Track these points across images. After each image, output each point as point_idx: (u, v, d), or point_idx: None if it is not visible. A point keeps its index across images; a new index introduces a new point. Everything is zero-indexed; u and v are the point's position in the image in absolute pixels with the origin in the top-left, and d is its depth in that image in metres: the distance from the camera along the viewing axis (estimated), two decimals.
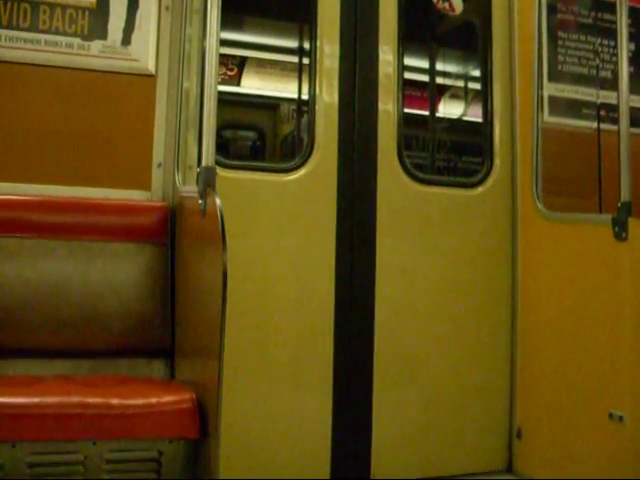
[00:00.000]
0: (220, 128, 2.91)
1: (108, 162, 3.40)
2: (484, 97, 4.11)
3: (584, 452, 3.42)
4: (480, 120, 4.17)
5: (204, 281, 2.87)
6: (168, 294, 3.27)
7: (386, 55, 3.81)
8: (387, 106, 3.80)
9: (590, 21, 4.13)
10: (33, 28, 3.31)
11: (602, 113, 3.99)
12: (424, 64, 4.86)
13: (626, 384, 3.22)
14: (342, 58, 3.74)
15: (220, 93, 2.89)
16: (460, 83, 5.34)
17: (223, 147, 5.96)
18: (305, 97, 4.46)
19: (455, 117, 5.55)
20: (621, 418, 3.20)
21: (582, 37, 4.09)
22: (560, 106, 4.02)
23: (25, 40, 3.30)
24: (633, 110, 3.41)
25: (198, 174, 2.84)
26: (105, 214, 3.35)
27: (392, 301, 3.73)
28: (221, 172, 3.05)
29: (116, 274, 3.27)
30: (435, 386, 3.80)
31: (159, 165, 3.45)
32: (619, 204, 3.28)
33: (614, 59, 3.91)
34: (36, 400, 2.58)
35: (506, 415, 3.89)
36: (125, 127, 3.43)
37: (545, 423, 3.68)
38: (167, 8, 3.50)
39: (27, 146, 3.31)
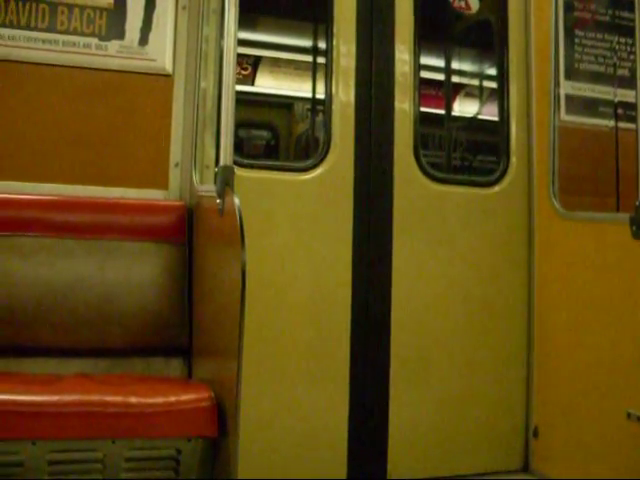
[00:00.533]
0: (235, 127, 2.92)
1: (125, 161, 3.41)
2: (500, 95, 4.09)
3: (601, 452, 3.41)
4: (496, 119, 4.16)
5: (222, 280, 2.87)
6: (185, 293, 3.28)
7: (402, 54, 3.80)
8: (403, 105, 3.79)
9: (607, 19, 4.12)
10: (51, 29, 3.33)
11: (620, 111, 3.97)
12: (440, 63, 4.85)
13: None
14: (358, 57, 3.74)
15: (235, 92, 2.89)
16: (476, 82, 5.32)
17: (238, 146, 5.96)
18: (320, 96, 4.45)
19: (471, 116, 5.54)
20: (639, 418, 3.18)
21: (599, 35, 4.07)
22: (577, 104, 4.00)
23: (43, 41, 3.32)
24: None
25: (216, 173, 2.85)
26: (122, 213, 3.36)
27: (408, 300, 3.73)
28: (238, 171, 3.05)
29: (133, 273, 3.28)
30: (451, 385, 3.80)
31: (176, 164, 3.47)
32: (637, 203, 3.27)
33: (631, 57, 3.89)
34: (56, 398, 2.60)
35: (523, 414, 3.88)
36: (142, 127, 3.44)
37: (562, 422, 3.67)
38: (184, 8, 3.51)
39: (45, 145, 3.33)
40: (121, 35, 3.43)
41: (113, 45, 3.42)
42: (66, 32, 3.35)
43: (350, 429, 3.60)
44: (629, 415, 3.23)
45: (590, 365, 3.50)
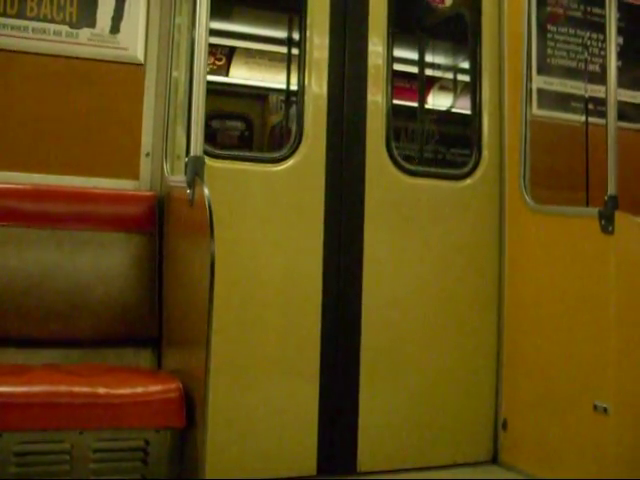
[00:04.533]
0: (209, 118, 2.90)
1: (96, 151, 3.39)
2: (473, 89, 4.11)
3: (569, 443, 3.45)
4: (469, 112, 4.18)
5: (192, 270, 2.86)
6: (156, 284, 3.27)
7: (376, 47, 3.81)
8: (376, 97, 3.80)
9: (579, 15, 4.15)
10: (21, 15, 3.29)
11: (591, 107, 4.00)
12: (414, 56, 4.86)
13: (611, 376, 3.24)
14: (331, 49, 3.73)
15: (208, 83, 2.88)
16: (449, 75, 5.34)
17: (211, 137, 5.94)
18: (294, 88, 4.44)
19: (444, 109, 5.56)
20: (605, 409, 3.22)
21: (571, 30, 4.10)
22: (549, 99, 4.03)
23: (12, 27, 3.28)
24: (621, 104, 3.42)
25: (186, 164, 2.83)
26: (93, 203, 3.34)
27: (379, 292, 3.74)
28: (209, 162, 3.04)
29: (103, 263, 3.26)
30: (421, 377, 3.82)
31: (147, 154, 3.45)
32: (606, 197, 3.30)
33: (603, 53, 3.93)
34: (23, 389, 2.57)
35: (492, 406, 3.91)
36: (113, 116, 3.41)
37: (530, 414, 3.70)
38: None
39: (14, 134, 3.29)
40: (92, 23, 3.39)
41: (84, 33, 3.38)
42: (36, 19, 3.31)
43: (320, 422, 3.60)
44: (595, 407, 3.27)
45: (558, 358, 3.54)
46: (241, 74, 6.45)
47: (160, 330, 3.23)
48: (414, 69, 4.93)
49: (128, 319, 3.25)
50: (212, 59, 6.24)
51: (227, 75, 6.44)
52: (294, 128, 3.75)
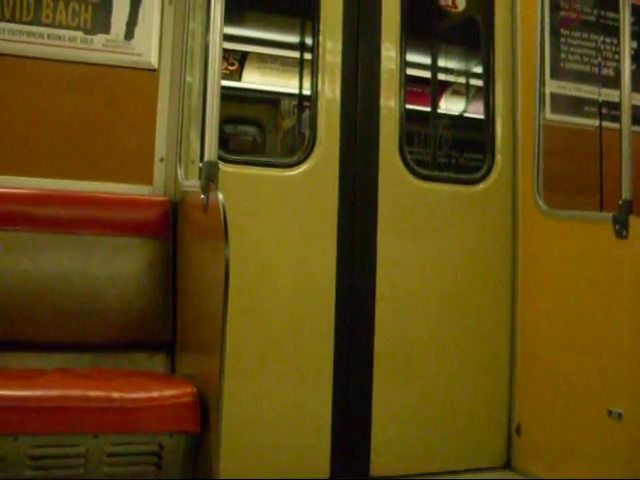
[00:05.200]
0: (221, 123, 2.91)
1: (110, 156, 3.40)
2: (486, 94, 4.11)
3: (583, 448, 3.43)
4: (482, 117, 4.17)
5: (206, 276, 2.87)
6: (169, 288, 3.27)
7: (389, 51, 3.81)
8: (389, 102, 3.80)
9: (593, 19, 4.13)
10: (36, 22, 3.31)
11: (604, 111, 3.99)
12: (427, 60, 4.85)
13: (625, 381, 3.23)
14: (344, 54, 3.74)
15: (221, 88, 2.89)
16: (462, 79, 5.33)
17: (224, 142, 5.95)
18: (307, 92, 4.45)
19: (457, 114, 5.55)
20: (620, 415, 3.21)
21: (585, 35, 4.09)
22: (563, 103, 4.02)
23: (28, 34, 3.30)
24: (635, 108, 3.41)
25: (200, 169, 2.84)
26: (106, 208, 3.35)
27: (392, 296, 3.73)
28: (223, 167, 3.04)
29: (117, 268, 3.27)
30: (434, 382, 3.81)
31: (161, 159, 3.46)
32: (620, 202, 3.29)
33: (617, 57, 3.91)
34: (38, 393, 2.59)
35: (505, 411, 3.90)
36: (127, 121, 3.43)
37: (544, 419, 3.68)
38: (170, 2, 3.50)
39: (29, 140, 3.31)
40: (107, 29, 3.41)
41: (99, 39, 3.40)
42: (51, 25, 3.33)
43: (333, 426, 3.60)
44: (610, 412, 3.25)
45: (572, 363, 3.52)
46: (254, 79, 6.46)
47: (174, 335, 3.23)
48: (427, 74, 4.93)
49: (142, 324, 3.25)
50: (225, 64, 6.25)
51: (240, 80, 6.45)
52: (307, 133, 3.76)
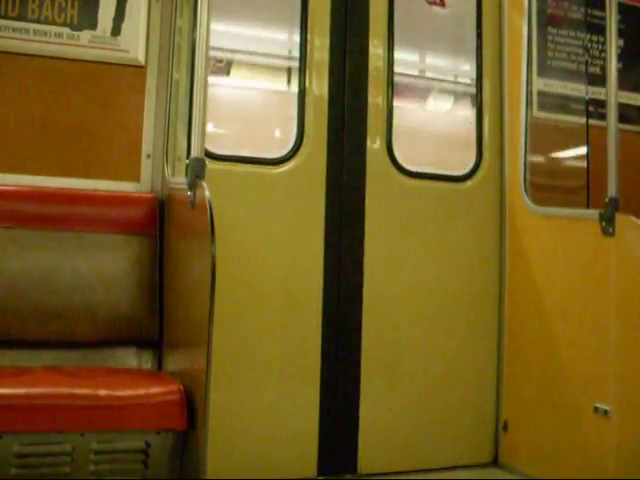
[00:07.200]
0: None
1: (97, 153, 3.39)
2: (474, 91, 4.11)
3: (569, 445, 3.45)
4: (470, 114, 4.17)
5: (193, 273, 2.86)
6: (157, 285, 3.27)
7: (376, 49, 3.82)
8: (377, 99, 3.80)
9: (580, 17, 4.15)
10: (22, 17, 3.29)
11: (591, 109, 4.00)
12: (414, 58, 4.85)
13: (612, 378, 3.24)
14: (332, 51, 3.74)
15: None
16: (450, 77, 5.33)
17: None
18: (295, 89, 4.44)
19: (444, 111, 5.54)
20: (606, 412, 3.22)
21: (572, 33, 4.10)
22: (549, 101, 4.03)
23: (14, 29, 3.28)
24: (621, 106, 3.42)
25: (187, 165, 2.84)
26: (94, 205, 3.34)
27: (380, 293, 3.74)
28: (210, 164, 3.04)
29: (104, 265, 3.26)
30: (421, 379, 3.82)
31: (148, 156, 3.45)
32: (606, 199, 3.30)
33: (603, 55, 3.93)
34: (23, 391, 2.57)
35: (493, 408, 3.91)
36: (114, 118, 3.42)
37: (531, 416, 3.70)
38: None
39: (15, 136, 3.29)
40: (93, 25, 3.40)
41: (85, 35, 3.38)
42: (37, 21, 3.31)
43: (321, 424, 3.61)
44: (596, 409, 3.27)
45: (559, 360, 3.54)
46: (241, 75, 6.43)
47: (161, 332, 3.23)
48: (415, 71, 4.93)
49: (129, 321, 3.25)
50: (212, 60, 6.22)
51: (227, 76, 6.42)
52: (295, 130, 3.75)
